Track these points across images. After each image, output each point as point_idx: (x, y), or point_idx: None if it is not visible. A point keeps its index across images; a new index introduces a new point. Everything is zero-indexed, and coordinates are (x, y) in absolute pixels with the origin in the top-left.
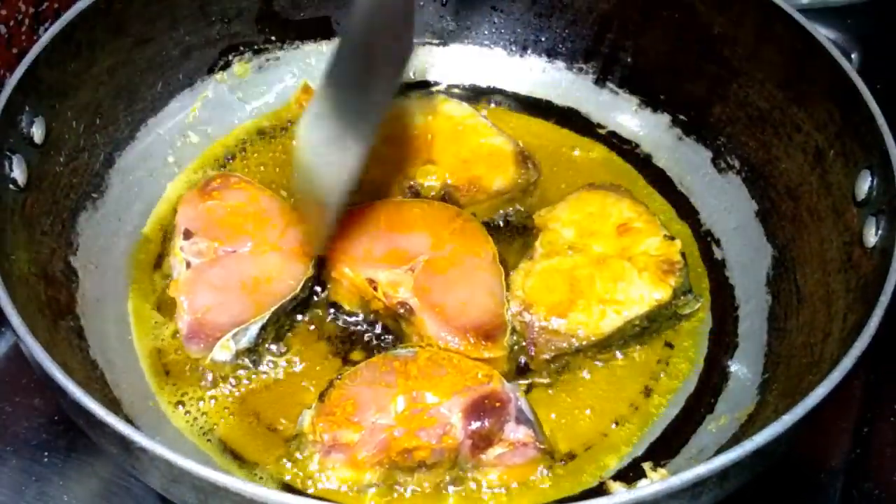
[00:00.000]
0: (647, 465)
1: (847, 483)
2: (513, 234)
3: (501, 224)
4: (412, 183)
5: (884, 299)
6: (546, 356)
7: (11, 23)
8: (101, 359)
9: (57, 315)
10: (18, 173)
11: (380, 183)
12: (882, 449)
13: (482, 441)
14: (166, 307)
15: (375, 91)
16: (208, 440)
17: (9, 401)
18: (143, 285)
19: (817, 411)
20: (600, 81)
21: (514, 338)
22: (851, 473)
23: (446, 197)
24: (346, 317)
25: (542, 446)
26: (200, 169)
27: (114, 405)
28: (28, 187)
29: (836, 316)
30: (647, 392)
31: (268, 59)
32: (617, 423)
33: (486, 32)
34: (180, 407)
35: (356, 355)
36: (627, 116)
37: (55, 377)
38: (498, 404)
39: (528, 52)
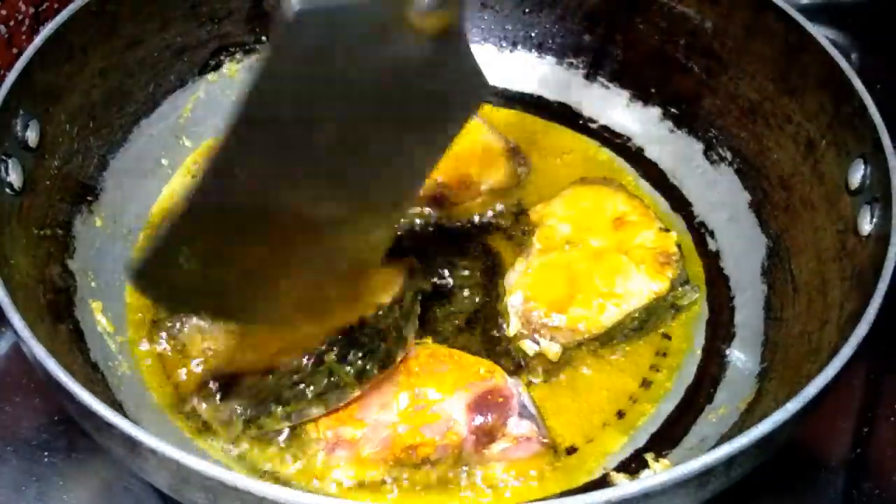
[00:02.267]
0: (649, 456)
1: (847, 483)
2: (506, 230)
3: (494, 221)
4: None
5: (882, 286)
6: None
7: (11, 23)
8: (101, 362)
9: (57, 319)
10: (14, 177)
11: None
12: (882, 449)
13: (485, 436)
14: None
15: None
16: (210, 440)
17: (9, 401)
18: None
19: (821, 398)
20: (591, 76)
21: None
22: (851, 473)
23: (438, 196)
24: None
25: (545, 440)
26: (194, 171)
27: (116, 407)
28: (24, 191)
29: (833, 304)
30: (647, 384)
31: (258, 59)
32: (618, 415)
33: (475, 29)
34: (181, 407)
35: None
36: (619, 110)
37: (62, 381)
38: (501, 400)
39: (518, 47)
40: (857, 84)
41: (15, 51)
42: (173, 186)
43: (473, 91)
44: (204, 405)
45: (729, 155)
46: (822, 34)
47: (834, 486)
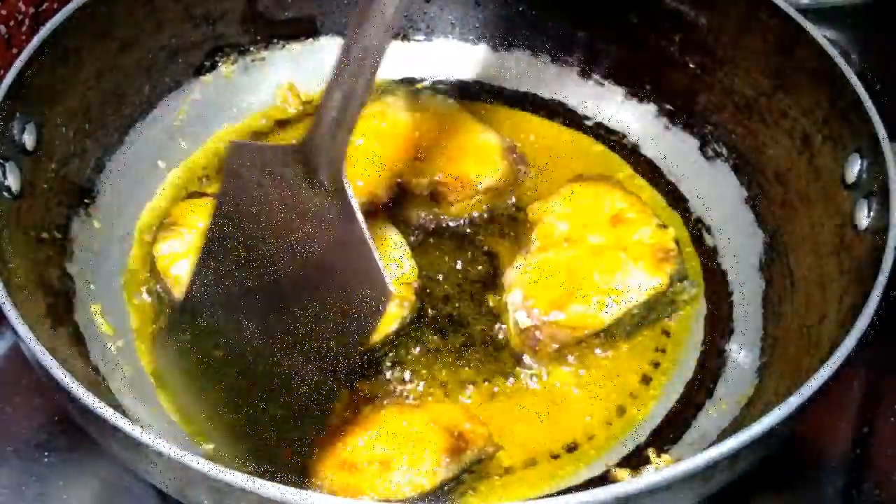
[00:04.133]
0: (651, 452)
1: (847, 483)
2: (504, 228)
3: (491, 219)
4: (400, 181)
5: (882, 279)
6: (549, 349)
7: (11, 23)
8: (101, 364)
9: (57, 322)
10: (12, 180)
11: (368, 181)
12: (882, 449)
13: None
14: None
15: None
16: (213, 443)
17: (9, 401)
18: (138, 289)
19: (823, 391)
20: (585, 73)
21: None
22: (851, 473)
23: (434, 194)
24: None
25: None
26: (189, 172)
27: (119, 410)
28: (21, 195)
29: (832, 298)
30: (647, 380)
31: (253, 60)
32: (618, 412)
33: (470, 27)
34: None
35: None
36: (613, 107)
37: (66, 385)
38: None
39: (513, 46)
40: (852, 77)
41: (14, 51)
42: (169, 189)
43: (375, 294)
44: None
45: (725, 151)
46: (821, 34)
47: (834, 485)
